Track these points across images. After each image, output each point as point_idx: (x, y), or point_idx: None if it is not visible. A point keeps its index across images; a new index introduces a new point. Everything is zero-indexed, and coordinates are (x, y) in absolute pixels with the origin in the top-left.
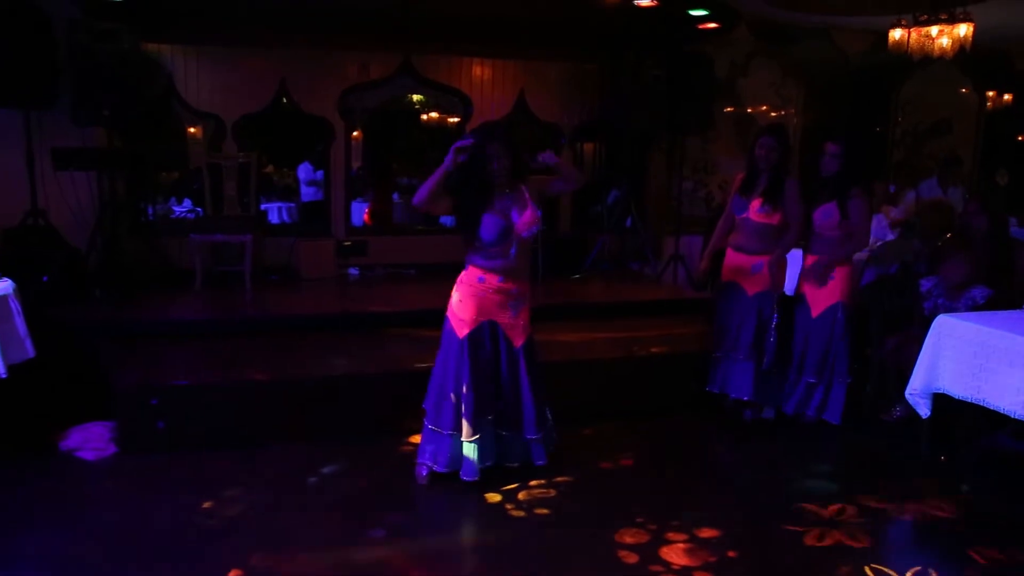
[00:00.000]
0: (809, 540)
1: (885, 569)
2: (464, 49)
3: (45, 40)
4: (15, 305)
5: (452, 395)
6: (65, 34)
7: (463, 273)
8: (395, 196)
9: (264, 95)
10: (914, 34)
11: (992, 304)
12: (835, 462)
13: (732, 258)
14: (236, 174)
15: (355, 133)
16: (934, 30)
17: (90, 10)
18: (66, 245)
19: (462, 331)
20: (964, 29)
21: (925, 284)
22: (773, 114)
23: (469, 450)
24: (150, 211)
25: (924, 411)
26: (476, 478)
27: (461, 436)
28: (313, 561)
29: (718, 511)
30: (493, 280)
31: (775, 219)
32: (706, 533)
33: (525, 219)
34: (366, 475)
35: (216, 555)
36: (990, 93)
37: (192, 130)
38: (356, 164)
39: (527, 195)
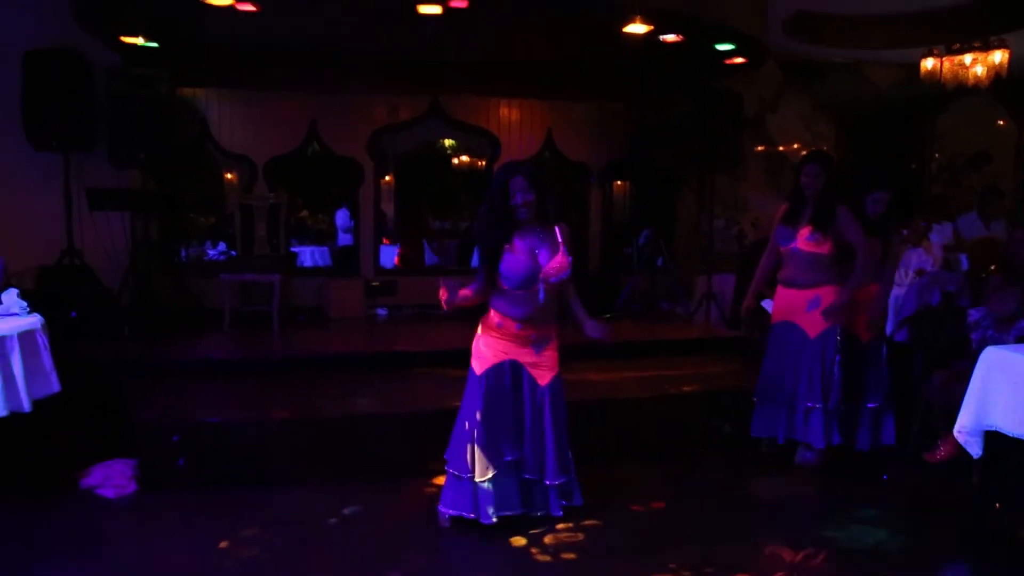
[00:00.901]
0: None
1: None
2: (491, 90)
3: (86, 86)
4: (42, 339)
5: (469, 434)
6: (105, 80)
7: (485, 315)
8: (424, 244)
9: (295, 137)
10: (947, 63)
11: None
12: (881, 506)
13: (783, 296)
14: (267, 215)
15: (387, 178)
16: (967, 59)
17: (128, 57)
18: (98, 283)
19: (480, 368)
20: (999, 56)
21: (974, 315)
22: (804, 152)
23: (485, 491)
24: (183, 253)
25: (976, 451)
26: (492, 522)
27: (476, 478)
28: None
29: (755, 556)
30: (511, 326)
31: (825, 248)
32: None
33: (554, 264)
34: (388, 518)
35: None
36: None
37: (228, 176)
38: (387, 208)
39: (560, 238)
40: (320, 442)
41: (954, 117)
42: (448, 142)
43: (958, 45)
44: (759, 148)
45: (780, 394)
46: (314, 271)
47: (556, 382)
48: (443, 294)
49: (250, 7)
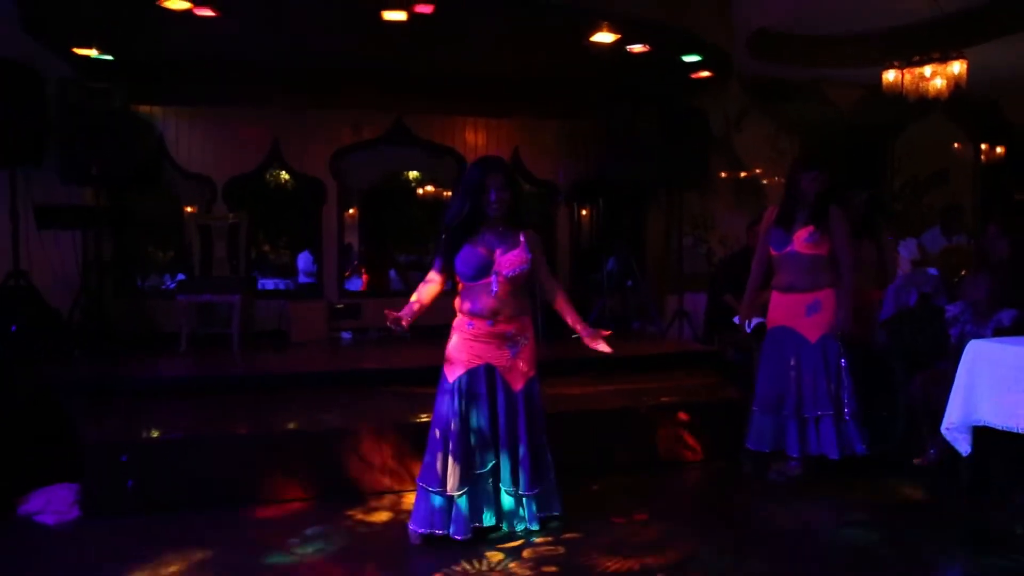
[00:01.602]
0: None
1: None
2: (457, 108)
3: (35, 98)
4: None
5: (442, 445)
6: (56, 92)
7: (455, 320)
8: (392, 273)
9: (256, 156)
10: (908, 75)
11: (1020, 326)
12: (871, 510)
13: (780, 301)
14: (226, 235)
15: (351, 211)
16: (927, 70)
17: (82, 69)
18: (45, 305)
19: (453, 375)
20: (958, 67)
21: (951, 310)
22: (766, 175)
23: (459, 504)
24: (140, 284)
25: (964, 447)
26: (467, 536)
27: (447, 491)
28: None
29: (744, 566)
30: (482, 325)
31: (824, 249)
32: None
33: (510, 256)
34: (354, 538)
35: None
36: (983, 146)
37: (189, 209)
38: (352, 241)
39: (522, 240)
40: (281, 460)
41: (914, 137)
42: (413, 174)
43: (917, 57)
44: (723, 174)
45: (784, 405)
46: (276, 293)
47: (531, 386)
48: (390, 313)
49: (208, 12)
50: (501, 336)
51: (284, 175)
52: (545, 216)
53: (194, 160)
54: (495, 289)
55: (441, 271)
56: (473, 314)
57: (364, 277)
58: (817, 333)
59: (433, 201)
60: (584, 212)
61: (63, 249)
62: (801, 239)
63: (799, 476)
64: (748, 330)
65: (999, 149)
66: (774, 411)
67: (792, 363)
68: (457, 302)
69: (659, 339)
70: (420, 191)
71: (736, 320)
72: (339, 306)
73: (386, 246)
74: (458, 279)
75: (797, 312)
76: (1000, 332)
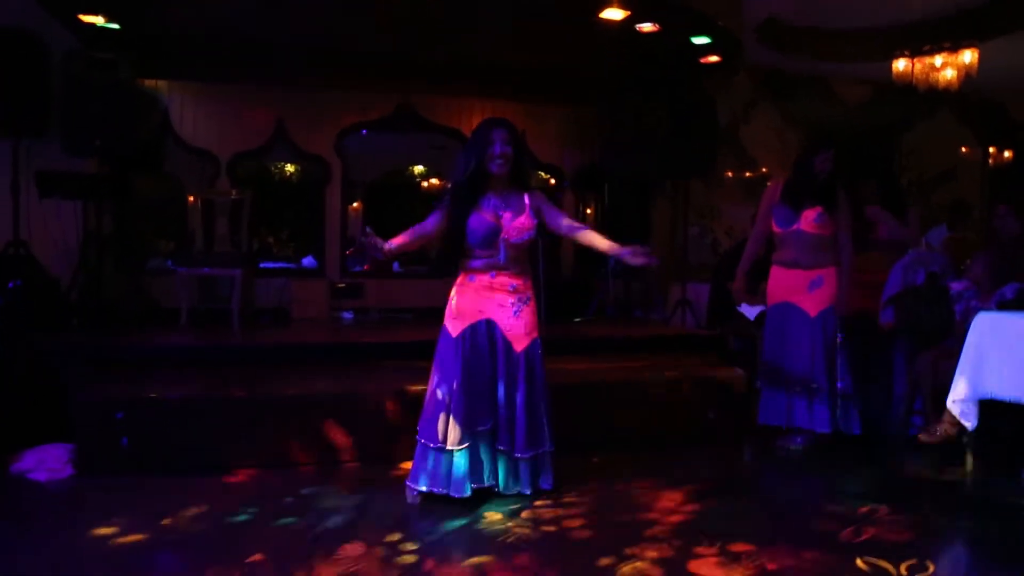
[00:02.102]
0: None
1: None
2: (464, 91)
3: (40, 68)
4: None
5: (444, 400)
6: (61, 63)
7: (457, 278)
8: (395, 265)
9: (262, 134)
10: (918, 65)
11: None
12: (875, 482)
13: (783, 277)
14: (228, 211)
15: (355, 204)
16: (938, 60)
17: (88, 40)
18: (45, 274)
19: (455, 329)
20: (969, 56)
21: (956, 287)
22: (772, 168)
23: (458, 462)
24: (139, 260)
25: (972, 422)
26: (467, 494)
27: (447, 446)
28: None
29: (750, 527)
30: (484, 277)
31: (829, 230)
32: (738, 547)
33: (517, 223)
34: (351, 497)
35: (168, 567)
36: (991, 149)
37: (191, 199)
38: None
39: (527, 202)
40: (278, 423)
41: (920, 137)
42: (418, 169)
43: (928, 47)
44: (732, 160)
45: (792, 380)
46: (277, 272)
47: (533, 348)
48: (370, 236)
49: None
50: (503, 288)
51: (289, 167)
52: (551, 201)
53: (199, 135)
54: (502, 258)
55: (438, 229)
56: (476, 269)
57: (367, 267)
58: (817, 308)
59: (438, 195)
60: (589, 200)
61: (64, 222)
62: (809, 219)
63: (806, 449)
64: (751, 318)
65: (1007, 153)
66: (781, 385)
67: (794, 338)
68: (461, 261)
69: (662, 325)
70: (425, 184)
71: (739, 308)
72: (340, 285)
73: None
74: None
75: (799, 287)
76: (1004, 305)
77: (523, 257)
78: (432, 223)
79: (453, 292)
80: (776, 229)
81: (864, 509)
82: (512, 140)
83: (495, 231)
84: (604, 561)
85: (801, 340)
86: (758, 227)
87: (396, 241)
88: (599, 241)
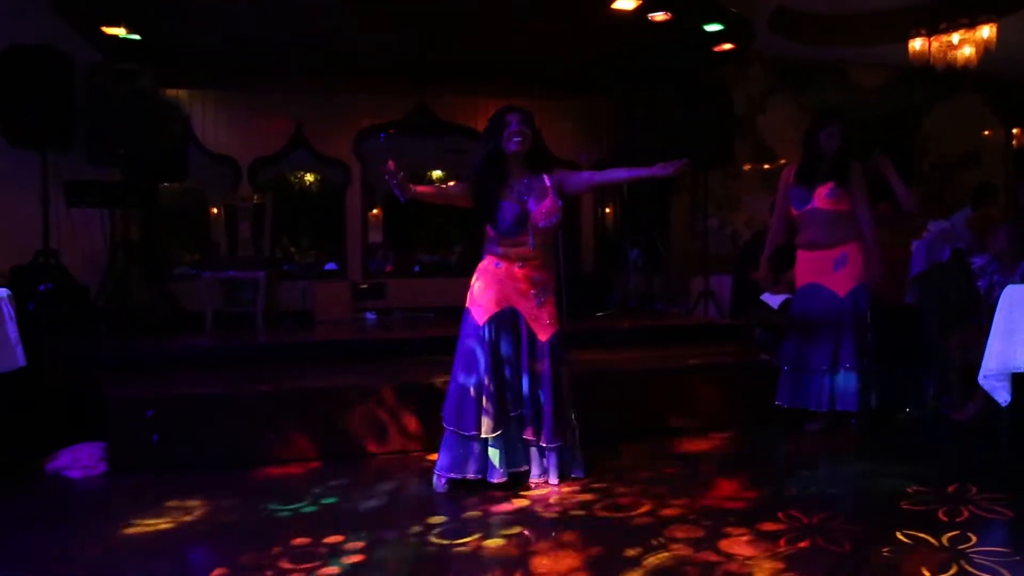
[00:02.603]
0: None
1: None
2: (479, 89)
3: (65, 82)
4: (8, 310)
5: (472, 389)
6: (85, 75)
7: (481, 263)
8: (416, 268)
9: (281, 138)
10: (935, 43)
11: None
12: (906, 461)
13: (807, 259)
14: (251, 215)
15: (375, 211)
16: (955, 38)
17: (110, 52)
18: (74, 282)
19: (482, 317)
20: (987, 31)
21: (977, 261)
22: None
23: (494, 449)
24: (165, 267)
25: (1004, 396)
26: (504, 479)
27: (481, 434)
28: (305, 558)
29: (780, 508)
30: (511, 267)
31: (845, 205)
32: (769, 527)
33: (543, 208)
34: (379, 487)
35: (202, 555)
36: (1015, 131)
37: (214, 210)
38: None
39: (548, 184)
40: (307, 417)
41: (941, 119)
42: (436, 174)
43: (945, 24)
44: (749, 150)
45: (817, 361)
46: (300, 274)
47: (556, 339)
48: (391, 165)
49: None
50: (528, 280)
51: (309, 176)
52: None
53: (220, 142)
54: (531, 243)
55: (461, 194)
56: (504, 256)
57: (389, 268)
58: (847, 286)
59: None
60: (607, 194)
61: (91, 230)
62: (822, 196)
63: (829, 430)
64: (775, 307)
65: None
66: (805, 367)
67: (824, 319)
68: (486, 250)
69: (685, 317)
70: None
71: (763, 297)
72: (363, 286)
73: (411, 248)
74: (489, 230)
75: (824, 268)
76: None
77: (550, 246)
78: (457, 188)
79: (477, 277)
80: (794, 211)
81: (911, 489)
82: (527, 121)
83: (523, 217)
84: (633, 545)
85: (829, 320)
86: (777, 212)
87: (421, 188)
88: (623, 173)
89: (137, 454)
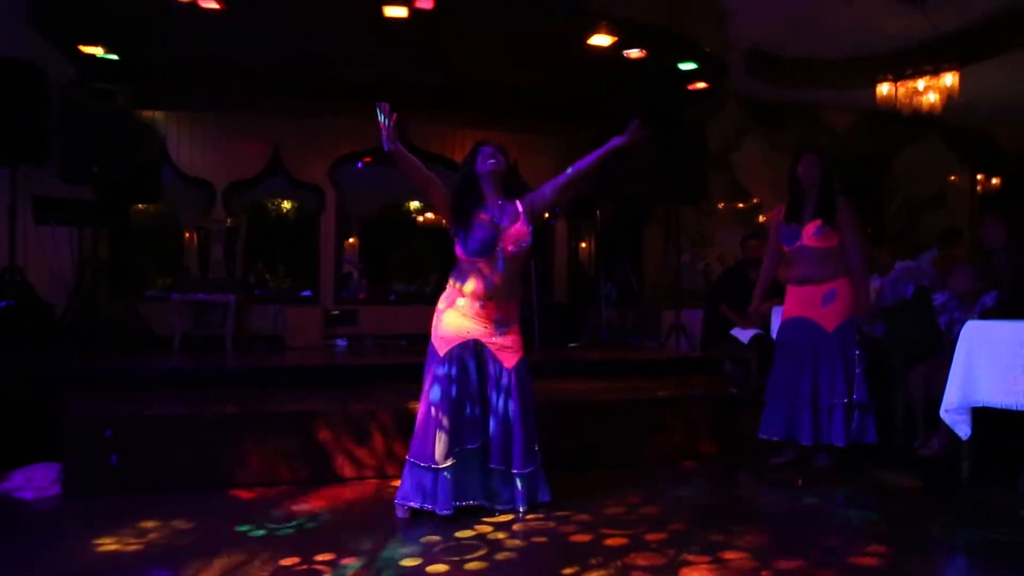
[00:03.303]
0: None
1: None
2: (457, 120)
3: (40, 98)
4: None
5: (433, 417)
6: (60, 92)
7: (445, 291)
8: (391, 297)
9: (257, 162)
10: (901, 89)
11: (1003, 304)
12: (870, 493)
13: (795, 293)
14: (223, 238)
15: (351, 240)
16: (920, 84)
17: (87, 70)
18: (38, 300)
19: (443, 348)
20: (950, 79)
21: (938, 298)
22: (764, 195)
23: (444, 479)
24: (134, 288)
25: (964, 430)
26: (449, 512)
27: (436, 464)
28: None
29: (743, 537)
30: (473, 305)
31: (834, 241)
32: (731, 555)
33: (513, 232)
34: (341, 513)
35: None
36: (980, 176)
37: (188, 235)
38: (351, 270)
39: (520, 209)
40: (268, 441)
41: (910, 161)
42: (414, 205)
43: (911, 71)
44: (723, 186)
45: (799, 395)
46: (271, 298)
47: (522, 365)
48: (386, 106)
49: (213, 3)
50: (487, 318)
51: (285, 203)
52: (543, 228)
53: (195, 164)
54: (500, 267)
55: (437, 192)
56: (469, 293)
57: (362, 295)
58: (834, 322)
59: (432, 229)
60: (582, 228)
61: (60, 249)
62: (810, 233)
63: (795, 463)
64: (745, 341)
65: (995, 179)
66: (786, 400)
67: (809, 352)
68: (452, 277)
69: (656, 350)
70: (420, 219)
71: (733, 332)
72: (335, 312)
73: (387, 278)
74: (459, 249)
75: (813, 302)
76: (986, 314)
77: (517, 275)
78: (439, 182)
79: (442, 307)
80: (784, 248)
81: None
82: (502, 150)
83: (493, 240)
84: (596, 570)
85: (818, 355)
86: (769, 248)
87: (405, 153)
88: (588, 159)
89: (94, 475)
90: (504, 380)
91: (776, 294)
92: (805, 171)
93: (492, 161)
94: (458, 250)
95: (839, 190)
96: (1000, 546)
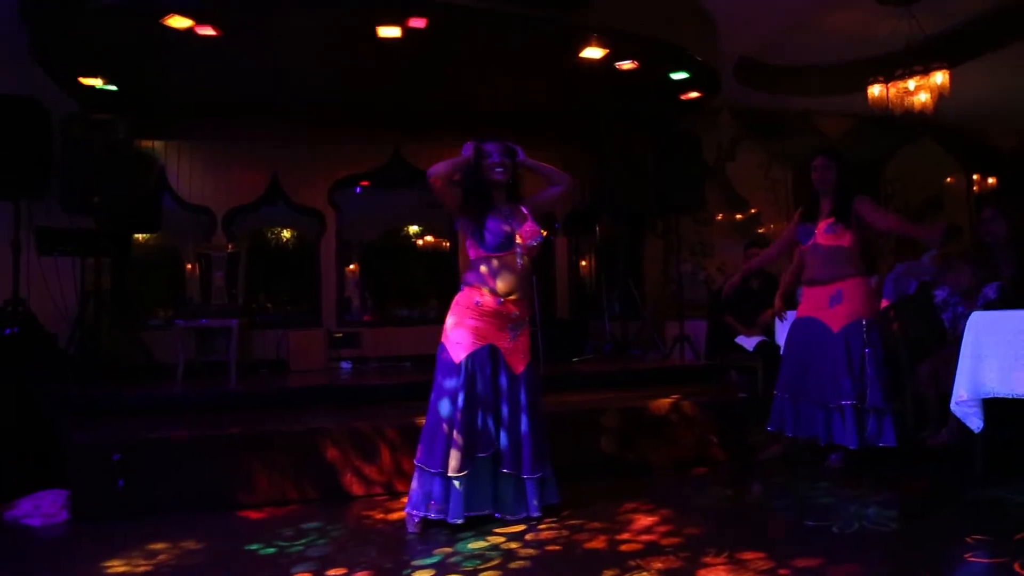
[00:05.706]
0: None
1: None
2: (453, 140)
3: (41, 132)
4: None
5: (445, 426)
6: (61, 125)
7: (459, 295)
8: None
9: (256, 188)
10: (892, 89)
11: (1006, 295)
12: (876, 488)
13: (807, 295)
14: (225, 264)
15: (351, 266)
16: (911, 84)
17: (87, 102)
18: (42, 330)
19: (459, 355)
20: (941, 77)
21: (939, 295)
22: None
23: (457, 489)
24: (137, 316)
25: (976, 423)
26: (459, 521)
27: (448, 472)
28: None
29: (760, 538)
30: (491, 302)
31: (845, 240)
32: (748, 555)
33: (526, 228)
34: (352, 528)
35: None
36: (975, 176)
37: (189, 266)
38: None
39: (526, 211)
40: (275, 461)
41: (905, 164)
42: (413, 228)
43: (900, 71)
44: (720, 196)
45: (807, 393)
46: (274, 322)
47: (531, 370)
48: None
49: (210, 31)
50: (506, 316)
51: (286, 233)
52: (543, 244)
53: (195, 192)
54: (519, 261)
55: (454, 197)
56: (485, 288)
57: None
58: (840, 323)
59: (432, 252)
60: (582, 242)
61: (63, 279)
62: (821, 231)
63: (783, 456)
64: (750, 349)
65: (991, 179)
66: (796, 395)
67: (813, 352)
68: (467, 280)
69: (661, 361)
70: (420, 242)
71: (738, 340)
72: (338, 335)
73: (388, 304)
74: (474, 250)
75: (821, 304)
76: (989, 305)
77: (531, 272)
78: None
79: (454, 312)
80: (801, 247)
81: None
82: (505, 150)
83: (509, 236)
84: (610, 574)
85: (823, 355)
86: (779, 242)
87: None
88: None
89: (101, 500)
90: (514, 386)
91: (765, 300)
92: (818, 175)
93: (500, 169)
94: (472, 251)
95: (855, 189)
96: (1018, 546)
